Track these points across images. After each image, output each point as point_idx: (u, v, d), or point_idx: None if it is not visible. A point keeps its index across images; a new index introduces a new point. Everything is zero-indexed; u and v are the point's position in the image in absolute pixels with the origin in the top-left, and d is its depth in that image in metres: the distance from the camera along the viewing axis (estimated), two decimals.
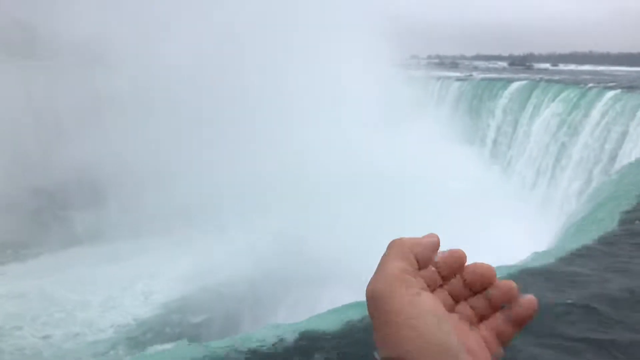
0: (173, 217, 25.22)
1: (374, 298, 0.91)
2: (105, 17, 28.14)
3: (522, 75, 37.95)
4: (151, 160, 26.42)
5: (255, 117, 27.41)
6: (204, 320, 20.53)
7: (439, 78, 40.40)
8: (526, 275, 7.80)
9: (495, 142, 30.04)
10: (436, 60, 63.95)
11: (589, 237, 9.27)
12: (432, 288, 0.96)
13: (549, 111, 26.06)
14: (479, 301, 0.97)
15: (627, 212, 10.23)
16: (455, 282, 0.98)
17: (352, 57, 29.91)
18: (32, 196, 28.91)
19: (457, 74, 45.21)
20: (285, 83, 28.07)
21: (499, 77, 38.00)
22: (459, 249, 1.00)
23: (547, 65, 76.39)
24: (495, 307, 0.96)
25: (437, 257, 0.98)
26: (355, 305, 7.77)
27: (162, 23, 28.29)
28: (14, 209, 28.14)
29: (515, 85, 30.34)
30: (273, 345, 6.99)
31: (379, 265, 0.96)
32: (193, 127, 27.59)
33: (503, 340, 0.95)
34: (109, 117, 28.54)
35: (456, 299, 0.97)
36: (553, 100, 26.33)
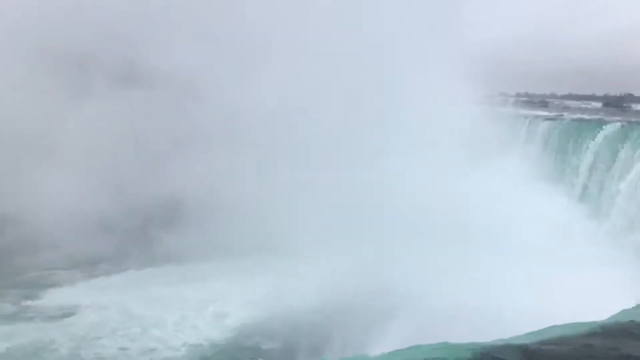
0: (249, 242, 25.90)
1: None
2: (201, 54, 29.77)
3: (617, 118, 35.80)
4: (234, 188, 27.44)
5: (339, 153, 27.75)
6: (274, 347, 20.74)
7: (527, 117, 39.13)
8: (606, 332, 7.31)
9: (580, 199, 28.04)
10: (525, 99, 62.02)
11: None
12: None
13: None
14: None
15: None
16: None
17: (439, 95, 29.70)
18: (127, 216, 30.88)
19: (547, 113, 43.58)
20: (371, 121, 28.23)
21: (591, 118, 36.16)
22: None
23: None
24: None
25: None
26: (442, 346, 7.46)
27: (255, 62, 29.48)
28: (111, 227, 30.46)
29: (605, 131, 27.51)
30: None
31: None
32: (276, 158, 28.36)
33: None
34: (199, 145, 30.07)
35: None
36: None
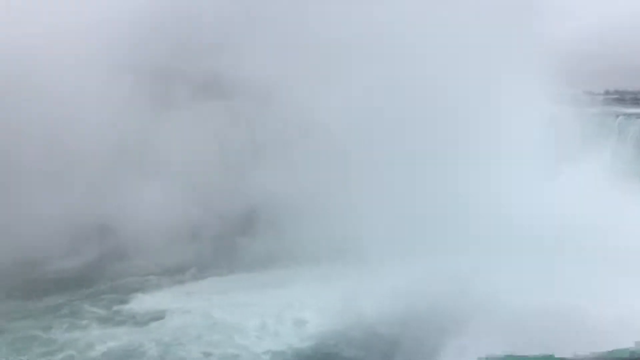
0: (325, 249, 25.96)
1: None
2: (281, 62, 30.19)
3: None
4: (311, 195, 27.58)
5: (416, 157, 27.24)
6: (355, 354, 20.71)
7: (618, 115, 36.90)
8: None
9: None
10: (615, 96, 58.27)
11: None
12: None
13: None
14: None
15: None
16: None
17: (517, 96, 28.51)
18: (212, 224, 32.04)
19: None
20: (452, 124, 27.48)
21: None
22: None
23: None
24: None
25: None
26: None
27: (335, 69, 29.52)
28: (197, 234, 31.87)
29: None
30: None
31: None
32: (355, 165, 28.25)
33: None
34: (278, 153, 30.63)
35: None
36: None
